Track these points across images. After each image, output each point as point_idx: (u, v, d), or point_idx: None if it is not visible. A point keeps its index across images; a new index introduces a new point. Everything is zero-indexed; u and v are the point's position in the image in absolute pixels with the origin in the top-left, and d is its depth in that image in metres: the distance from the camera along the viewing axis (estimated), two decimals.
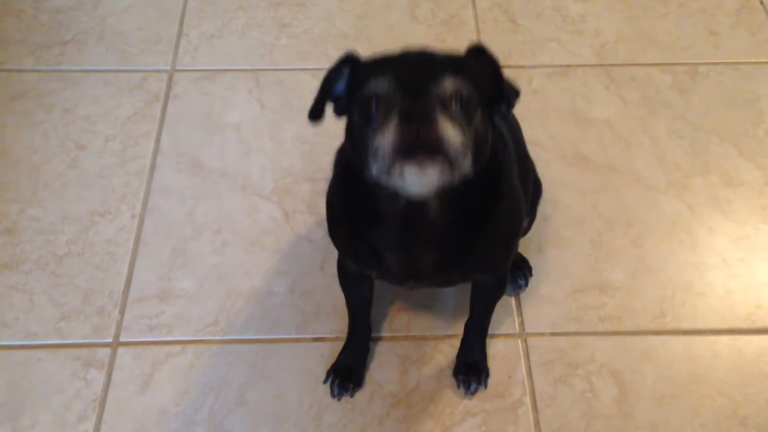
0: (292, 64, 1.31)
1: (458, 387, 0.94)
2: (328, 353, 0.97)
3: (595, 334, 0.99)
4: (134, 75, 1.28)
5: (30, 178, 1.14)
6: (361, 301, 0.93)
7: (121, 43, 1.33)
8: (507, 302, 1.02)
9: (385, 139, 0.61)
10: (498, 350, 0.98)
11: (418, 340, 0.99)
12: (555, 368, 0.95)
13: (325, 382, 0.94)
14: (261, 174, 1.16)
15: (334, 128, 1.20)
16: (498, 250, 0.81)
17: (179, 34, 1.35)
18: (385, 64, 0.67)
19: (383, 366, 0.96)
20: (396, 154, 0.61)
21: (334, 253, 1.03)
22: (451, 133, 0.61)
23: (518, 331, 0.99)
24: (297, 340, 0.99)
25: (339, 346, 0.97)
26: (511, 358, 0.97)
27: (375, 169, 0.64)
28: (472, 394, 0.93)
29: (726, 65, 1.30)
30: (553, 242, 1.08)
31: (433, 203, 0.70)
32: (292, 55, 1.33)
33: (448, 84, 0.63)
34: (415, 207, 0.70)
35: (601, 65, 1.31)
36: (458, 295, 1.02)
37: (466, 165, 0.63)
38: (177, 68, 1.30)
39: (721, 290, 1.03)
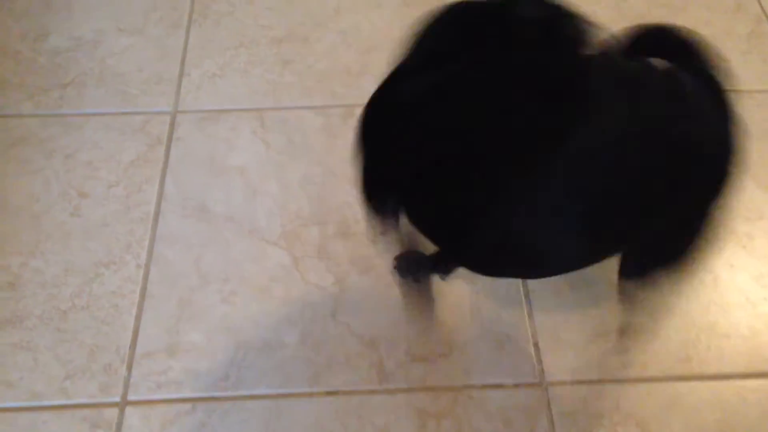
0: (297, 102, 1.29)
1: None
2: (342, 408, 0.94)
3: (618, 381, 0.96)
4: (136, 117, 1.26)
5: (31, 228, 1.11)
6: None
7: (121, 85, 1.30)
8: (526, 349, 0.99)
9: None
10: (518, 400, 0.94)
11: (436, 392, 0.96)
12: (579, 419, 0.92)
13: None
14: (268, 218, 1.13)
15: (341, 168, 1.18)
16: None
17: (181, 74, 1.33)
18: None
19: (400, 420, 0.93)
20: None
21: (347, 301, 1.01)
22: None
23: (539, 379, 0.96)
24: (310, 394, 0.96)
25: (354, 399, 0.94)
26: (532, 408, 0.94)
27: None
28: None
29: (740, 93, 1.28)
30: (571, 283, 1.05)
31: None
32: (296, 93, 1.30)
33: None
34: None
35: None
36: (475, 343, 0.99)
37: None
38: (179, 109, 1.27)
39: (747, 331, 1.00)
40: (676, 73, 0.69)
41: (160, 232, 1.11)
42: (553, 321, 1.01)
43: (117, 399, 0.95)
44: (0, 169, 1.18)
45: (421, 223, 0.65)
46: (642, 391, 0.94)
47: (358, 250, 1.09)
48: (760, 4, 1.42)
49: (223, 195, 1.16)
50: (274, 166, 1.20)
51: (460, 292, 1.04)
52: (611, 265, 1.05)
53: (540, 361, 0.98)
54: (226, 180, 1.18)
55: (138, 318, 1.02)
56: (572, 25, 0.57)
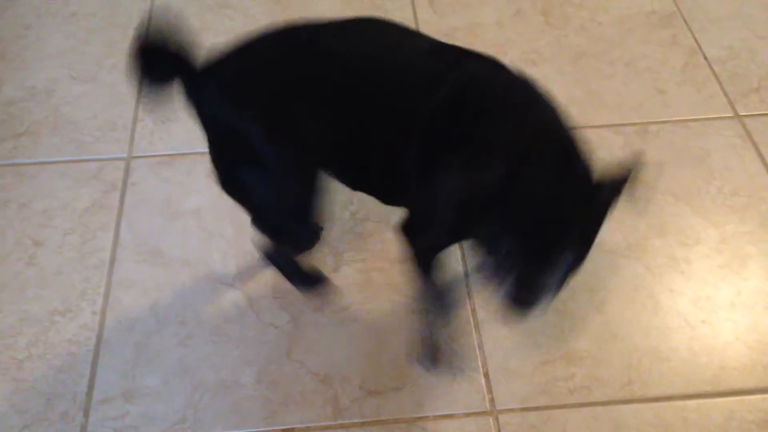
0: None
1: None
2: None
3: (565, 407, 0.99)
4: (90, 164, 1.28)
5: None
6: None
7: (75, 133, 1.32)
8: (476, 379, 1.01)
9: None
10: (470, 430, 0.97)
11: (389, 425, 0.98)
12: None
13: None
14: (223, 260, 1.15)
15: None
16: None
17: (135, 120, 1.35)
18: None
19: None
20: None
21: (301, 339, 1.03)
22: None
23: (489, 408, 0.99)
24: None
25: None
26: None
27: None
28: None
29: (675, 123, 1.33)
30: None
31: None
32: None
33: None
34: None
35: None
36: (427, 376, 1.02)
37: None
38: (134, 155, 1.29)
39: (686, 353, 1.04)
40: None
41: (116, 277, 1.13)
42: (502, 350, 1.04)
43: None
44: None
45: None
46: (588, 415, 0.98)
47: None
48: (693, 36, 1.49)
49: (179, 238, 1.18)
50: (227, 208, 1.22)
51: (412, 326, 1.07)
52: (558, 295, 1.08)
53: (490, 391, 1.01)
54: (181, 223, 1.20)
55: (94, 364, 1.03)
56: None
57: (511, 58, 1.45)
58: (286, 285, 1.12)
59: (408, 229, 0.91)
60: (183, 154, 1.30)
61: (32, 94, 1.39)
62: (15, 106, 1.36)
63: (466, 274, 1.13)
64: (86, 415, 0.99)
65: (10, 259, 1.14)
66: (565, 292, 1.09)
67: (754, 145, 1.29)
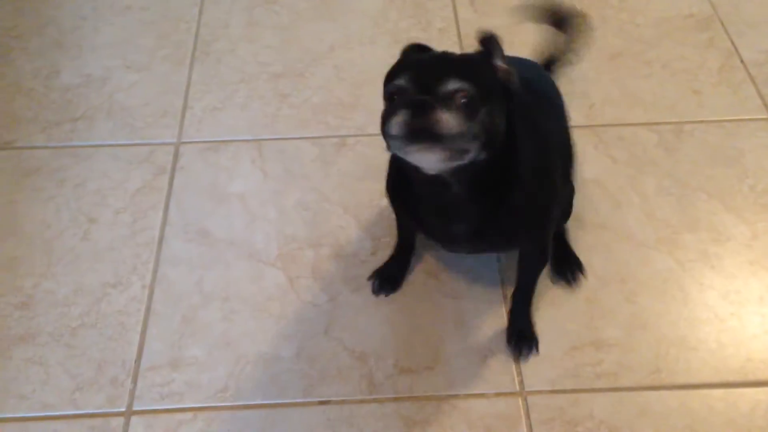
0: (293, 133, 1.36)
1: (512, 354, 1.05)
2: (334, 416, 1.00)
3: (592, 390, 1.02)
4: (142, 149, 1.34)
5: (44, 252, 1.18)
6: (408, 226, 1.09)
7: (128, 118, 1.39)
8: (506, 361, 1.05)
9: (395, 124, 0.74)
10: (499, 409, 1.01)
11: (422, 401, 1.02)
12: (555, 426, 0.98)
13: (369, 279, 1.14)
14: (266, 242, 1.20)
15: (334, 195, 1.25)
16: (524, 223, 0.94)
17: (184, 108, 1.41)
18: (409, 65, 0.81)
19: (388, 428, 0.99)
20: (403, 137, 0.75)
21: (339, 318, 1.07)
22: (449, 124, 0.74)
23: (518, 389, 1.03)
24: (304, 404, 1.02)
25: (345, 408, 1.00)
26: (512, 417, 1.00)
27: (392, 148, 0.78)
28: (524, 359, 1.05)
29: (710, 123, 1.36)
30: (550, 301, 1.12)
31: (451, 179, 0.83)
32: (293, 125, 1.38)
33: (451, 84, 0.75)
34: (437, 181, 0.83)
35: (590, 126, 1.36)
36: (459, 356, 1.05)
37: (471, 150, 0.77)
38: (183, 141, 1.35)
39: (714, 344, 1.06)
40: None
41: (164, 255, 1.18)
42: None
43: (123, 409, 1.01)
44: (14, 198, 1.26)
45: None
46: (614, 399, 1.01)
47: (350, 271, 1.16)
48: (731, 39, 1.51)
49: (224, 220, 1.23)
50: (271, 193, 1.27)
51: (446, 307, 1.11)
52: (586, 283, 1.12)
53: (519, 373, 1.04)
54: (227, 206, 1.25)
55: (143, 334, 1.09)
56: None
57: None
58: (325, 266, 1.17)
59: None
60: (228, 141, 1.35)
61: (88, 82, 1.46)
62: (72, 92, 1.43)
63: (498, 259, 1.16)
64: (134, 381, 1.04)
65: (66, 234, 1.21)
66: (595, 282, 1.12)
67: None
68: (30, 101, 1.42)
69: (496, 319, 1.10)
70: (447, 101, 0.75)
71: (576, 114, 1.37)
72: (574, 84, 1.44)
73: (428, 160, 0.78)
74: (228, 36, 1.55)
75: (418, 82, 0.77)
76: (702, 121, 1.36)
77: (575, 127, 1.34)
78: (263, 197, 1.26)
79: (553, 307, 1.11)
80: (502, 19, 1.56)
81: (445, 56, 0.83)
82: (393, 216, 1.21)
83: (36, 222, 1.23)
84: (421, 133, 0.74)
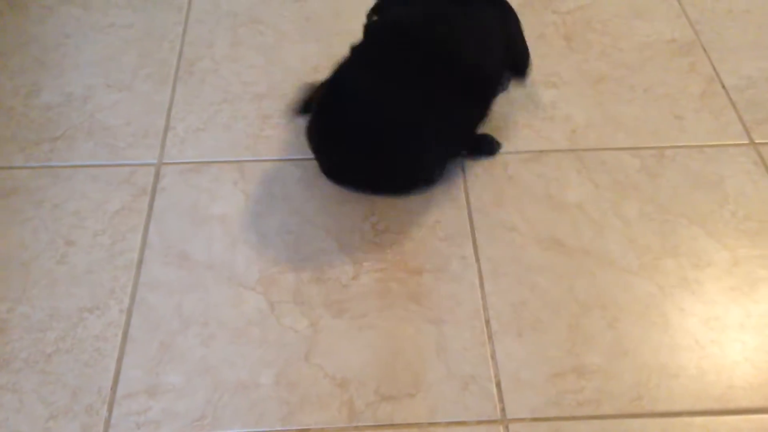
0: (275, 154, 1.36)
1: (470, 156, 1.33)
2: None
3: (574, 418, 1.01)
4: (122, 169, 1.32)
5: (20, 275, 1.17)
6: None
7: (109, 138, 1.37)
8: (488, 388, 1.04)
9: None
10: None
11: (403, 429, 1.01)
12: None
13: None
14: (246, 265, 1.19)
15: (317, 218, 1.24)
16: None
17: (166, 128, 1.40)
18: None
19: None
20: None
21: (320, 343, 1.06)
22: None
23: (500, 417, 1.02)
24: None
25: None
26: None
27: None
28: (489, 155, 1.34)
29: (691, 148, 1.36)
30: (532, 326, 1.11)
31: None
32: (275, 146, 1.37)
33: None
34: None
35: (573, 150, 1.36)
36: (440, 383, 1.05)
37: None
38: (164, 161, 1.34)
39: (695, 371, 1.06)
40: None
41: (143, 278, 1.17)
42: (514, 361, 1.07)
43: None
44: None
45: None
46: (597, 427, 1.00)
47: (332, 295, 1.15)
48: (712, 65, 1.52)
49: (204, 243, 1.22)
50: (253, 215, 1.26)
51: (428, 333, 1.10)
52: (568, 309, 1.11)
53: (501, 400, 1.03)
54: (207, 229, 1.24)
55: (119, 360, 1.07)
56: None
57: (533, 79, 1.49)
58: (307, 291, 1.16)
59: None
60: (210, 162, 1.34)
61: (69, 101, 1.44)
62: (53, 111, 1.42)
63: (482, 285, 1.16)
64: (110, 408, 1.02)
65: (43, 257, 1.19)
66: (577, 308, 1.12)
67: None
68: (9, 120, 1.40)
69: (479, 346, 1.09)
70: None
71: (559, 138, 1.38)
72: (556, 108, 1.44)
73: None
74: (212, 55, 1.55)
75: None
76: (684, 146, 1.37)
77: (558, 150, 1.35)
78: (245, 220, 1.25)
79: (535, 333, 1.10)
80: None
81: None
82: (377, 240, 1.21)
83: (12, 244, 1.21)
84: None
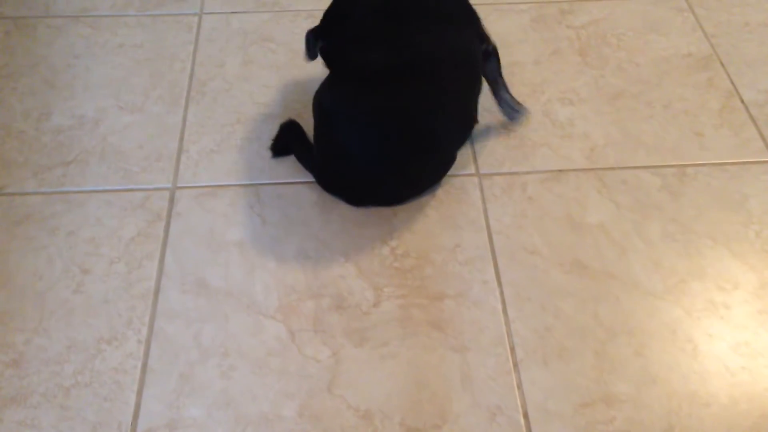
0: (291, 177, 1.34)
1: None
2: None
3: None
4: (136, 194, 1.31)
5: (35, 305, 1.15)
6: None
7: (122, 162, 1.35)
8: (515, 419, 1.02)
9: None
10: None
11: None
12: None
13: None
14: (265, 292, 1.17)
15: (335, 242, 1.22)
16: None
17: (179, 150, 1.38)
18: None
19: None
20: None
21: (342, 374, 1.04)
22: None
23: None
24: None
25: None
26: None
27: None
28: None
29: (713, 166, 1.34)
30: (558, 354, 1.09)
31: None
32: (290, 168, 1.36)
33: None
34: None
35: (592, 169, 1.34)
36: (467, 414, 1.02)
37: None
38: (179, 185, 1.32)
39: (726, 399, 1.04)
40: None
41: (161, 307, 1.15)
42: (541, 390, 1.05)
43: None
44: (5, 247, 1.22)
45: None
46: None
47: (352, 323, 1.13)
48: (730, 79, 1.50)
49: (222, 270, 1.20)
50: (270, 240, 1.24)
51: (452, 361, 1.08)
52: (593, 335, 1.09)
53: (529, 431, 1.01)
54: (225, 255, 1.22)
55: (139, 394, 1.05)
56: None
57: (549, 97, 1.47)
58: (327, 318, 1.14)
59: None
60: (226, 186, 1.33)
61: (81, 123, 1.42)
62: (64, 135, 1.40)
63: (505, 310, 1.14)
64: None
65: (58, 286, 1.17)
66: (603, 334, 1.10)
67: None
68: (21, 144, 1.38)
69: (504, 375, 1.07)
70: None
71: (577, 156, 1.36)
72: (574, 125, 1.42)
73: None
74: (223, 75, 1.53)
75: None
76: (705, 164, 1.35)
77: (577, 170, 1.33)
78: (262, 245, 1.24)
79: (562, 361, 1.08)
80: None
81: None
82: (396, 265, 1.19)
83: (27, 273, 1.19)
84: None
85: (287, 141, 1.36)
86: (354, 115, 1.19)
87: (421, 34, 1.23)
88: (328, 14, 1.35)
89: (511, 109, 1.41)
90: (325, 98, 1.25)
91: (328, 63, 1.36)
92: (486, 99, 1.38)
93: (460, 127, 1.28)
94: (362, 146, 1.19)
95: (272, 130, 1.41)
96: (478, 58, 1.30)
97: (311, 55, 1.33)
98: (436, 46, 1.23)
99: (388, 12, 1.26)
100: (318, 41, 1.32)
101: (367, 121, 1.18)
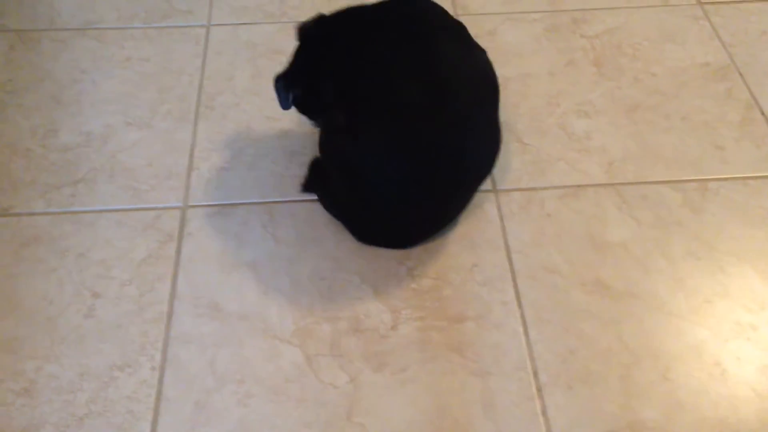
0: (303, 194, 1.31)
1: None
2: None
3: None
4: (147, 213, 1.28)
5: (46, 331, 1.12)
6: None
7: (131, 180, 1.33)
8: None
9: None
10: None
11: None
12: None
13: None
14: (280, 315, 1.14)
15: (350, 262, 1.20)
16: None
17: (190, 168, 1.35)
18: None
19: None
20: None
21: (361, 400, 1.02)
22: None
23: None
24: None
25: None
26: None
27: None
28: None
29: (735, 180, 1.32)
30: (582, 378, 1.07)
31: None
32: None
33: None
34: None
35: (612, 184, 1.32)
36: None
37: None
38: (190, 204, 1.30)
39: (757, 425, 1.02)
40: None
41: (174, 332, 1.12)
42: (566, 417, 1.02)
43: None
44: (13, 270, 1.19)
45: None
46: None
47: (370, 347, 1.11)
48: (749, 90, 1.47)
49: (235, 292, 1.17)
50: (284, 260, 1.22)
51: (473, 387, 1.06)
52: (618, 358, 1.07)
53: None
54: (238, 276, 1.19)
55: (154, 423, 1.03)
56: None
57: (564, 109, 1.45)
58: (344, 342, 1.11)
59: None
60: (237, 204, 1.30)
61: (88, 140, 1.40)
62: (72, 152, 1.37)
63: (526, 332, 1.12)
64: None
65: (69, 311, 1.14)
66: (628, 357, 1.08)
67: None
68: (28, 162, 1.36)
69: (527, 401, 1.04)
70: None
71: (596, 171, 1.34)
72: (591, 138, 1.40)
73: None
74: (233, 89, 1.50)
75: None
76: (727, 179, 1.32)
77: (596, 185, 1.31)
78: (276, 266, 1.21)
79: (587, 386, 1.06)
80: (513, 69, 1.52)
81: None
82: (413, 286, 1.17)
83: (37, 297, 1.16)
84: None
85: (317, 181, 1.28)
86: (402, 169, 1.08)
87: (445, 56, 1.15)
88: (303, 57, 1.23)
89: None
90: (351, 153, 1.12)
91: (309, 112, 1.24)
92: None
93: (493, 150, 1.19)
94: (412, 200, 1.11)
95: (283, 146, 1.39)
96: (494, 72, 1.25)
97: (284, 105, 1.20)
98: (465, 68, 1.16)
99: (402, 34, 1.16)
100: (290, 90, 1.19)
101: (416, 176, 1.09)
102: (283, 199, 1.31)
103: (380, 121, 1.09)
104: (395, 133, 1.07)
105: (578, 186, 1.32)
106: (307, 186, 1.30)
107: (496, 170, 1.33)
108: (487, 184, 1.31)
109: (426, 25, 1.20)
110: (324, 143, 1.22)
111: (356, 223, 1.22)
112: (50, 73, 1.53)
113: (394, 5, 1.23)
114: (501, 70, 1.48)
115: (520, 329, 1.12)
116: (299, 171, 1.35)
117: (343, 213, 1.23)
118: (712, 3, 1.68)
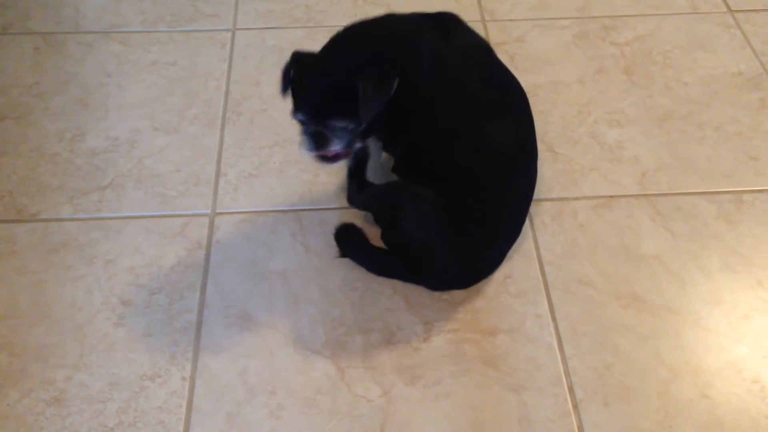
0: (333, 202, 1.30)
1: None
2: None
3: None
4: (175, 220, 1.27)
5: (75, 339, 1.11)
6: None
7: (159, 186, 1.32)
8: None
9: (305, 143, 1.13)
10: None
11: None
12: None
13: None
14: (311, 326, 1.13)
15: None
16: None
17: (217, 174, 1.34)
18: (303, 99, 1.12)
19: None
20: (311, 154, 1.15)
21: (394, 414, 1.00)
22: (338, 146, 1.13)
23: None
24: None
25: None
26: None
27: None
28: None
29: None
30: (619, 395, 1.05)
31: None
32: (332, 193, 1.31)
33: (337, 122, 1.10)
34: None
35: (645, 195, 1.30)
36: None
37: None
38: (218, 211, 1.28)
39: None
40: None
41: (204, 342, 1.11)
42: None
43: None
44: (42, 276, 1.18)
45: None
46: None
47: (403, 360, 1.09)
48: None
49: (265, 302, 1.16)
50: (314, 270, 1.20)
51: (508, 401, 1.04)
52: (656, 375, 1.05)
53: None
54: (267, 286, 1.18)
55: None
56: None
57: (595, 118, 1.43)
58: (376, 354, 1.10)
59: None
60: (266, 212, 1.29)
61: (115, 145, 1.39)
62: (99, 158, 1.36)
63: (560, 347, 1.10)
64: None
65: (98, 319, 1.13)
66: (666, 374, 1.06)
67: None
68: (55, 167, 1.35)
69: (563, 417, 1.03)
70: (336, 131, 1.10)
71: (628, 182, 1.32)
72: (623, 148, 1.38)
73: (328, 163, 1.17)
74: (259, 94, 1.49)
75: (312, 116, 1.10)
76: (762, 190, 1.30)
77: (629, 196, 1.29)
78: (306, 275, 1.19)
79: (624, 402, 1.04)
80: (543, 76, 1.50)
81: (327, 85, 1.09)
82: (445, 297, 1.15)
83: (66, 304, 1.15)
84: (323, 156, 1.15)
85: (348, 248, 1.22)
86: (500, 218, 1.14)
87: (511, 92, 1.21)
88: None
89: None
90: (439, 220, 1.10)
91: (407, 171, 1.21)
92: None
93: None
94: (501, 243, 1.18)
95: None
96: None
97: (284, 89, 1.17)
98: (523, 104, 1.22)
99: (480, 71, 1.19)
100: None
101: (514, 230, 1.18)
102: (312, 207, 1.29)
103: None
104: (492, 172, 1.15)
105: (611, 197, 1.30)
106: (352, 200, 1.26)
107: None
108: None
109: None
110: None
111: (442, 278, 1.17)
112: (76, 76, 1.52)
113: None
114: (530, 77, 1.47)
115: (555, 343, 1.11)
116: (328, 179, 1.33)
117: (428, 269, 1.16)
118: (743, 11, 1.66)
